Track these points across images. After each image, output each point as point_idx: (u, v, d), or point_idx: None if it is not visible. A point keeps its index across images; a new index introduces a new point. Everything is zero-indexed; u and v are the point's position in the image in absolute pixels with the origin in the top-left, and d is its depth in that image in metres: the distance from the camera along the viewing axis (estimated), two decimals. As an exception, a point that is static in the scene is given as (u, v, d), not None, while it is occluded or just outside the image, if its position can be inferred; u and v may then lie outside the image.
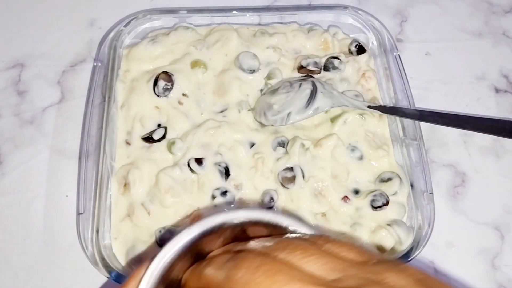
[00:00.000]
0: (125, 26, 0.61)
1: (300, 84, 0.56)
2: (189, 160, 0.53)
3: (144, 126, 0.56)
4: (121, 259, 0.50)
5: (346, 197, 0.53)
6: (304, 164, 0.54)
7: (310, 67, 0.60)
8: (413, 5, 0.72)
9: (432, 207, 0.50)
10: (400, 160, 0.56)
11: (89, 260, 0.47)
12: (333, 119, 0.57)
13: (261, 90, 0.59)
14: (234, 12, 0.63)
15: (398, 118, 0.56)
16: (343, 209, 0.53)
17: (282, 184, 0.53)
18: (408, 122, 0.55)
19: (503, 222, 0.56)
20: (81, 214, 0.49)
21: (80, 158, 0.57)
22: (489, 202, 0.58)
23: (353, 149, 0.56)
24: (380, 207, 0.53)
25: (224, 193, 0.52)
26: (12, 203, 0.55)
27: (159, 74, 0.57)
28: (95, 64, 0.58)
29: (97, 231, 0.49)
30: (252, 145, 0.56)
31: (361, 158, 0.56)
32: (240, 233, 0.32)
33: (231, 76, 0.59)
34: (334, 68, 0.60)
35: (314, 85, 0.56)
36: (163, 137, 0.55)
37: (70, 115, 0.60)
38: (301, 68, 0.60)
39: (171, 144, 0.55)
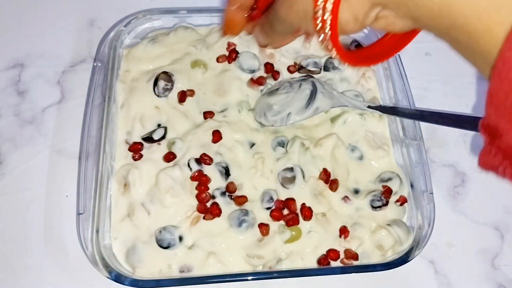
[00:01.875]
0: (125, 26, 0.61)
1: (300, 85, 0.56)
2: (189, 160, 0.53)
3: (144, 126, 0.56)
4: (121, 259, 0.50)
5: (346, 197, 0.53)
6: (304, 164, 0.54)
7: (310, 67, 0.60)
8: (413, 5, 0.72)
9: (432, 207, 0.50)
10: (400, 160, 0.56)
11: (89, 260, 0.47)
12: (333, 119, 0.58)
13: (261, 90, 0.59)
14: (234, 12, 0.63)
15: (398, 118, 0.56)
16: (343, 209, 0.53)
17: (282, 184, 0.53)
18: (408, 122, 0.55)
19: (503, 222, 0.56)
20: (81, 214, 0.49)
21: (80, 158, 0.57)
22: (489, 202, 0.58)
23: (353, 149, 0.56)
24: (379, 207, 0.53)
25: (224, 193, 0.53)
26: (12, 203, 0.55)
27: (159, 74, 0.57)
28: (95, 64, 0.58)
29: (97, 231, 0.49)
30: (252, 145, 0.56)
31: (361, 158, 0.56)
32: None
33: (231, 76, 0.59)
34: (334, 68, 0.60)
35: (314, 85, 0.56)
36: (163, 137, 0.55)
37: (70, 115, 0.60)
38: (301, 68, 0.60)
39: (171, 144, 0.55)
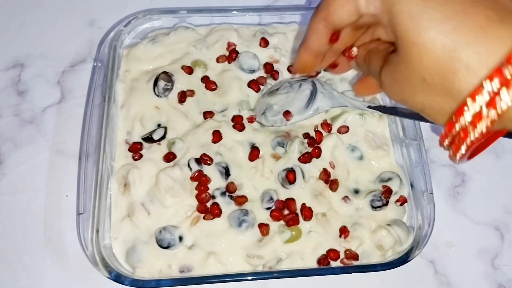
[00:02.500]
0: (125, 26, 0.61)
1: (300, 85, 0.56)
2: (189, 160, 0.53)
3: (144, 126, 0.56)
4: (121, 259, 0.50)
5: (346, 197, 0.53)
6: (304, 164, 0.54)
7: (310, 67, 0.60)
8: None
9: (432, 207, 0.50)
10: (400, 160, 0.56)
11: (89, 260, 0.47)
12: (333, 119, 0.58)
13: (261, 90, 0.59)
14: (234, 12, 0.63)
15: (398, 118, 0.56)
16: (343, 209, 0.53)
17: (282, 185, 0.53)
18: (408, 122, 0.55)
19: (503, 222, 0.56)
20: (81, 214, 0.49)
21: (80, 158, 0.57)
22: (489, 202, 0.58)
23: (353, 149, 0.56)
24: (379, 207, 0.53)
25: (224, 193, 0.53)
26: (12, 203, 0.55)
27: (159, 74, 0.57)
28: (95, 64, 0.58)
29: (97, 231, 0.49)
30: (252, 145, 0.56)
31: (361, 158, 0.56)
32: None
33: (231, 76, 0.59)
34: (334, 68, 0.60)
35: (314, 85, 0.56)
36: (163, 137, 0.55)
37: (70, 115, 0.60)
38: (301, 68, 0.60)
39: (171, 144, 0.55)
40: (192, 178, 0.52)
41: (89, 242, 0.48)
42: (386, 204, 0.53)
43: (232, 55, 0.60)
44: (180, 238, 0.50)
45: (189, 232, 0.51)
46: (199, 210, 0.51)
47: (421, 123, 0.55)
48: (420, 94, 0.29)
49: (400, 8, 0.28)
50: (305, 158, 0.54)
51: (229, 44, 0.61)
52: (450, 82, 0.26)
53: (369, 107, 0.56)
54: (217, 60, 0.60)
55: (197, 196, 0.52)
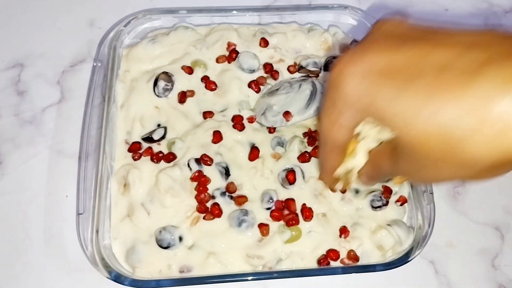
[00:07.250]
0: (125, 26, 0.61)
1: (300, 85, 0.56)
2: (189, 160, 0.53)
3: (144, 126, 0.56)
4: (121, 259, 0.50)
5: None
6: (304, 164, 0.54)
7: (310, 67, 0.60)
8: (413, 5, 0.72)
9: (432, 207, 0.50)
10: (400, 160, 0.56)
11: (89, 260, 0.47)
12: (333, 119, 0.57)
13: (262, 91, 0.59)
14: (234, 12, 0.63)
15: (398, 118, 0.56)
16: (343, 209, 0.53)
17: (282, 185, 0.53)
18: (408, 122, 0.55)
19: (503, 222, 0.56)
20: (81, 214, 0.49)
21: (80, 158, 0.57)
22: (489, 202, 0.58)
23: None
24: (380, 207, 0.53)
25: (224, 193, 0.52)
26: (12, 203, 0.55)
27: (159, 75, 0.57)
28: (95, 64, 0.58)
29: (97, 231, 0.49)
30: (252, 145, 0.56)
31: (361, 158, 0.56)
32: None
33: (231, 76, 0.59)
34: (334, 68, 0.60)
35: (314, 85, 0.56)
36: (163, 137, 0.55)
37: (70, 115, 0.60)
38: (301, 68, 0.60)
39: (171, 144, 0.55)
40: (192, 179, 0.52)
41: (89, 242, 0.48)
42: (386, 204, 0.53)
43: (232, 55, 0.60)
44: (180, 238, 0.50)
45: (189, 232, 0.51)
46: (199, 210, 0.51)
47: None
48: (441, 171, 0.29)
49: (381, 107, 0.29)
50: (305, 158, 0.53)
51: (229, 44, 0.61)
52: (460, 151, 0.26)
53: (369, 107, 0.56)
54: (217, 60, 0.60)
55: (196, 197, 0.52)
